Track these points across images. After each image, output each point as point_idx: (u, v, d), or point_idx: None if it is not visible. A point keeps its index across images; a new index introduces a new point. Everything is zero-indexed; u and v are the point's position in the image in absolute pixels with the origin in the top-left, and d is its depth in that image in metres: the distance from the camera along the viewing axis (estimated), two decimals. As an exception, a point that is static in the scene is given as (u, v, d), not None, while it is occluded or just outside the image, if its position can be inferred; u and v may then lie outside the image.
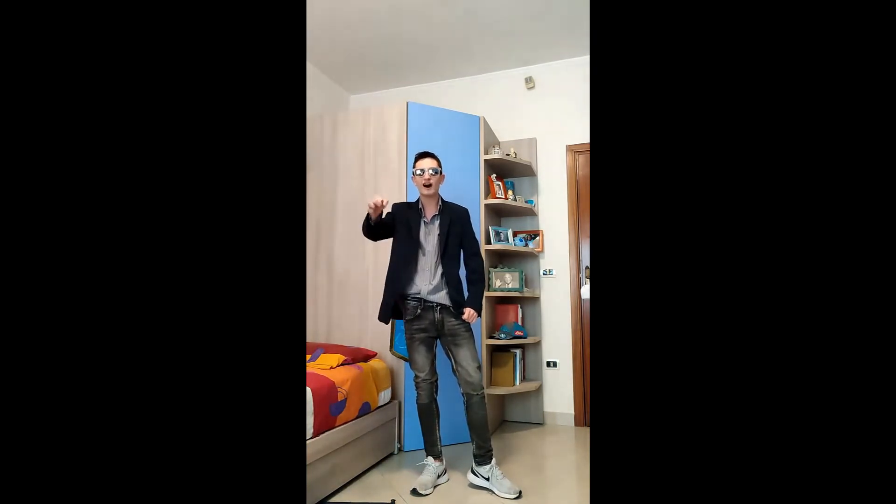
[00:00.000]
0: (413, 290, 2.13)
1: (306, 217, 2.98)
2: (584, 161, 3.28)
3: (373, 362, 2.53)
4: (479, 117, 3.00)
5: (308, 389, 1.89)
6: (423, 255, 2.14)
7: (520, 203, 3.15)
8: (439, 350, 2.22)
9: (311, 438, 1.86)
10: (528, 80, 3.43)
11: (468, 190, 2.89)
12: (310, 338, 2.90)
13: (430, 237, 2.15)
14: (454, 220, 2.16)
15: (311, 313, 2.92)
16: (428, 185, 2.11)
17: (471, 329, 2.13)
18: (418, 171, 2.13)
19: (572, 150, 3.30)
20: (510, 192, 3.22)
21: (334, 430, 2.03)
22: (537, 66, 3.44)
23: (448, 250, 2.14)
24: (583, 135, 3.28)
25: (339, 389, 2.09)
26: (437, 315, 2.11)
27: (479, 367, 2.09)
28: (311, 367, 2.23)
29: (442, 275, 2.12)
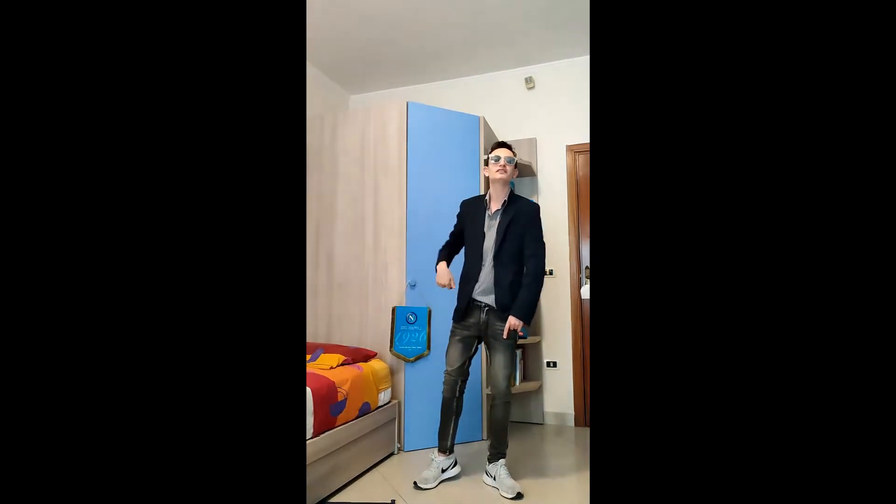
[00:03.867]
0: (468, 285, 2.12)
1: (306, 217, 2.98)
2: (584, 161, 3.28)
3: (373, 362, 2.53)
4: (479, 117, 3.00)
5: (308, 389, 1.89)
6: (484, 249, 2.10)
7: (520, 203, 3.15)
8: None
9: (311, 438, 1.86)
10: (528, 80, 3.43)
11: (468, 190, 2.88)
12: (310, 338, 2.90)
13: (490, 232, 2.11)
14: (517, 217, 2.07)
15: (311, 313, 2.92)
16: (502, 171, 2.08)
17: (514, 336, 2.07)
18: (494, 158, 2.10)
19: (572, 150, 3.29)
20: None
21: (334, 430, 2.03)
22: (537, 66, 3.44)
23: (503, 249, 2.06)
24: (583, 135, 3.27)
25: (339, 389, 2.09)
26: (483, 316, 2.09)
27: (509, 377, 2.07)
28: (311, 367, 2.23)
29: (493, 275, 2.07)
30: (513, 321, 1.99)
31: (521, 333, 2.09)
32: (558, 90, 3.37)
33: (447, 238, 2.30)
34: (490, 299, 2.08)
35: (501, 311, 2.04)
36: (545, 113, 3.39)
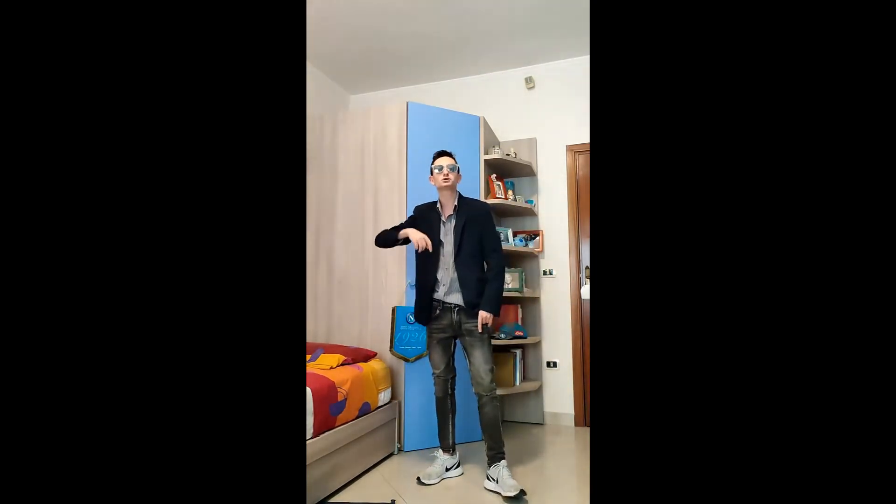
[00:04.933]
0: (435, 290, 2.18)
1: (306, 217, 2.98)
2: (584, 161, 3.28)
3: (373, 362, 2.53)
4: (479, 117, 3.00)
5: (308, 389, 1.89)
6: (444, 254, 2.17)
7: (520, 203, 3.15)
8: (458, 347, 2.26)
9: (311, 438, 1.86)
10: (528, 80, 3.43)
11: (468, 190, 2.88)
12: (310, 338, 2.90)
13: (448, 236, 2.18)
14: (471, 219, 2.15)
15: (311, 313, 2.92)
16: (446, 179, 2.17)
17: (487, 330, 2.12)
18: (437, 167, 2.19)
19: (572, 150, 3.29)
20: (510, 193, 3.21)
21: (334, 430, 2.03)
22: (537, 66, 3.44)
23: (462, 250, 2.13)
24: (583, 135, 3.27)
25: (339, 389, 2.09)
26: (455, 316, 2.15)
27: (491, 370, 2.10)
28: (311, 367, 2.23)
29: (457, 277, 2.13)
30: (483, 315, 2.06)
31: (493, 330, 2.13)
32: (558, 90, 3.37)
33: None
34: (457, 298, 2.14)
35: (470, 308, 2.11)
36: (545, 113, 3.39)
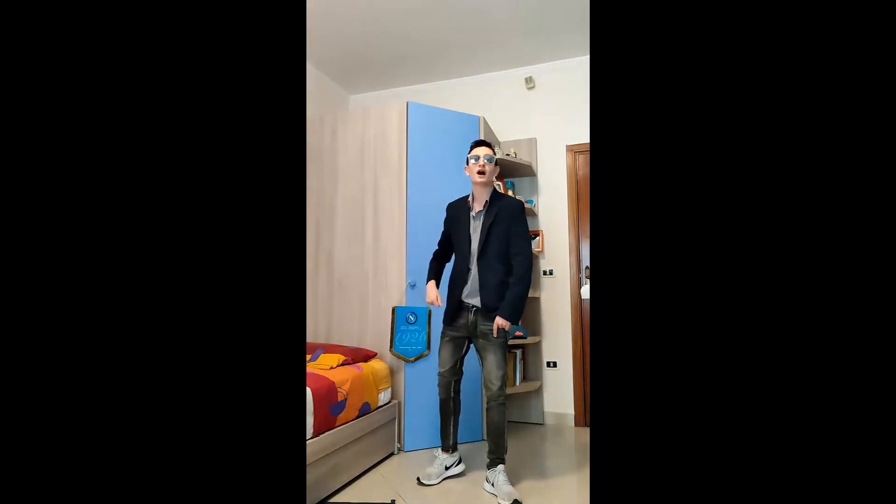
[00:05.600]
0: (457, 288, 2.13)
1: (306, 217, 2.98)
2: (584, 161, 3.28)
3: (373, 362, 2.53)
4: (479, 117, 3.00)
5: (308, 389, 1.89)
6: (471, 251, 2.09)
7: (520, 203, 3.15)
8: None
9: (311, 438, 1.86)
10: (528, 80, 3.43)
11: (468, 190, 2.88)
12: (310, 338, 2.90)
13: (475, 234, 2.09)
14: (500, 216, 2.03)
15: (311, 313, 2.92)
16: (482, 172, 2.06)
17: (504, 335, 2.04)
18: (473, 158, 2.07)
19: (572, 150, 3.29)
20: (510, 193, 3.21)
21: (334, 430, 2.03)
22: (537, 66, 3.44)
23: (486, 250, 2.04)
24: (583, 135, 3.27)
25: (339, 389, 2.09)
26: (472, 317, 2.08)
27: (503, 376, 2.03)
28: (311, 367, 2.23)
29: (478, 277, 2.05)
30: (500, 321, 1.97)
31: (508, 333, 2.06)
32: (558, 90, 3.37)
33: (439, 245, 2.33)
34: (476, 300, 2.07)
35: (488, 311, 2.02)
36: (545, 113, 3.39)
